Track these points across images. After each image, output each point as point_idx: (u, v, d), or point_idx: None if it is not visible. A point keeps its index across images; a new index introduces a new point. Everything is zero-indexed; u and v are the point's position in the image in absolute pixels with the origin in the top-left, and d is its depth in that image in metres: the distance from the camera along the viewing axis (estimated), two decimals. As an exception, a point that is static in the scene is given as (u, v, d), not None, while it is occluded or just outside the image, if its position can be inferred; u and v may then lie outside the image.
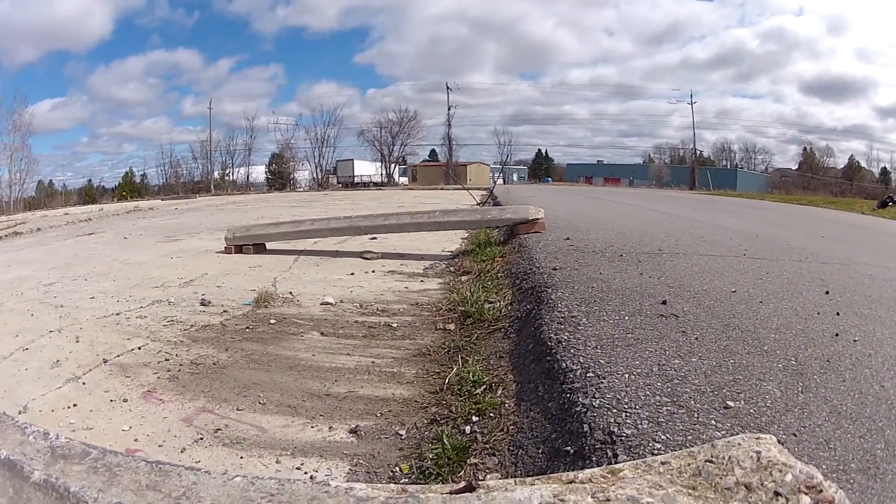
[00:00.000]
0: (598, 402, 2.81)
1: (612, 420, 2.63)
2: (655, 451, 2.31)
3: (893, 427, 2.66)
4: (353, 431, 3.22)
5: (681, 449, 1.95)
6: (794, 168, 72.62)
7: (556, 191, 32.78)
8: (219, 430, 3.21)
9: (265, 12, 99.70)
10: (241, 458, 2.92)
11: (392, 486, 1.58)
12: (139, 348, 4.30)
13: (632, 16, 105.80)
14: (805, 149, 71.88)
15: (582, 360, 3.32)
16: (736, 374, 3.11)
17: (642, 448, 2.38)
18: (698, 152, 67.75)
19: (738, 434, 1.99)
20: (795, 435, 2.53)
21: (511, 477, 2.54)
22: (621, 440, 2.47)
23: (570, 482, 1.59)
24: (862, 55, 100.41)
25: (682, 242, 8.00)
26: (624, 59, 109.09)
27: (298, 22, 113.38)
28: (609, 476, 1.61)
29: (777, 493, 1.46)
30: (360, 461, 2.90)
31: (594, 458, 2.41)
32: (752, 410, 2.71)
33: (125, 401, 3.52)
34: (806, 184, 62.24)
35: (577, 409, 2.81)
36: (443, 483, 2.49)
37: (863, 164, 69.69)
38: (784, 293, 4.97)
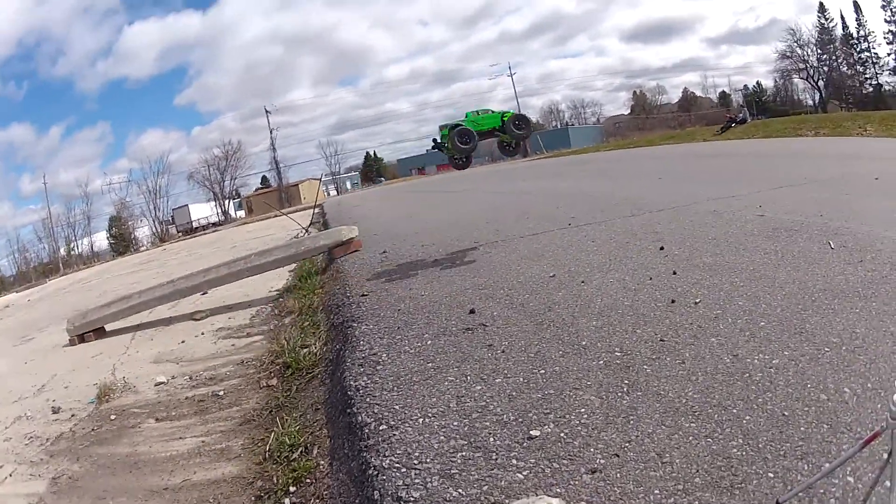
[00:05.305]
0: (388, 461, 2.56)
1: (401, 483, 2.38)
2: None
3: (754, 412, 2.40)
4: (188, 525, 3.32)
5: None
6: (626, 113, 76.74)
7: (386, 192, 32.96)
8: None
9: (86, 69, 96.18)
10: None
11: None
12: (10, 475, 4.36)
13: (444, 2, 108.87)
14: (635, 92, 76.25)
15: (376, 411, 3.06)
16: (546, 389, 2.91)
17: (431, 511, 2.13)
18: (526, 119, 70.36)
19: (520, 498, 1.70)
20: (618, 455, 2.28)
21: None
22: (409, 506, 2.22)
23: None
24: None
25: (503, 227, 8.08)
26: (441, 45, 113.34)
27: (118, 73, 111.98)
28: None
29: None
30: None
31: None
32: (561, 435, 2.48)
33: (-2, 537, 3.62)
34: (641, 125, 66.04)
35: (370, 472, 2.56)
36: None
37: (699, 93, 74.62)
38: (611, 263, 4.98)
